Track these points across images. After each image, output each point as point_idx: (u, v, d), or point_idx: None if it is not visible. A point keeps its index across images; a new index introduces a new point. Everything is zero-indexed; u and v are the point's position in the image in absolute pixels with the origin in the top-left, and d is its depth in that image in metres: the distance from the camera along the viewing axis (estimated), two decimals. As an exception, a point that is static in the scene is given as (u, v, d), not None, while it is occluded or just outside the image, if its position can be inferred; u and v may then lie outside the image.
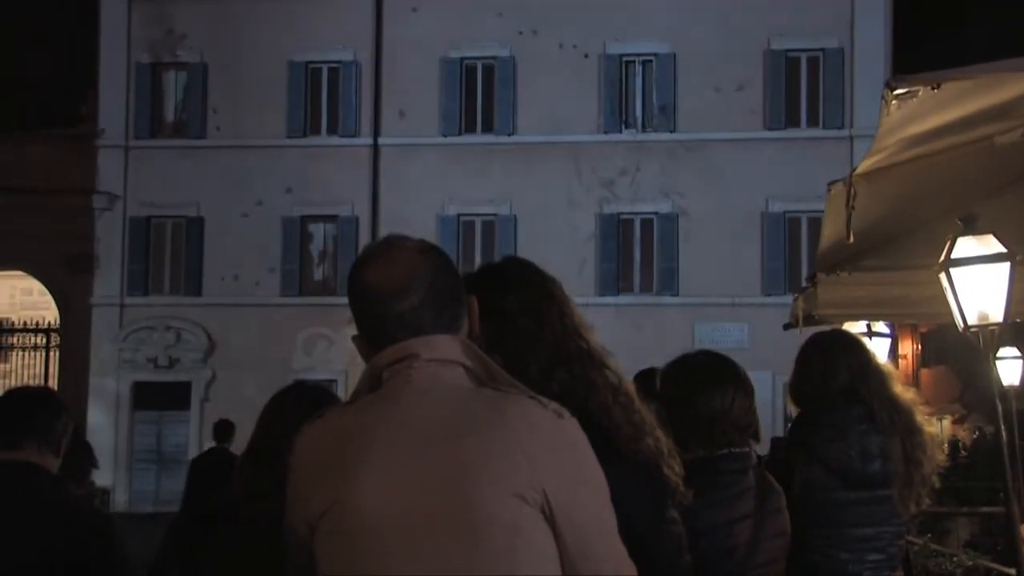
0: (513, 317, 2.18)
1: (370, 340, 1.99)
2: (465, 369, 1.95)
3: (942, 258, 4.39)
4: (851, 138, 23.63)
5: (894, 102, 3.34)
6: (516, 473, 1.84)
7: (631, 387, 2.21)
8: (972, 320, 4.42)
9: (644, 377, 3.29)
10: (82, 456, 4.84)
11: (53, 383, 25.60)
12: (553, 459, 1.87)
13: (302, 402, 2.64)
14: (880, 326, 6.81)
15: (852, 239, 4.35)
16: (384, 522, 1.85)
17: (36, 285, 26.90)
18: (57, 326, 26.35)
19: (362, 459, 1.88)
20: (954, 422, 25.11)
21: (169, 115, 26.68)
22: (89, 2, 26.22)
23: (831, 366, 3.73)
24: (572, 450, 1.90)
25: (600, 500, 1.92)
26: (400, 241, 2.03)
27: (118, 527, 3.19)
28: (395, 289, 1.95)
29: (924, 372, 27.14)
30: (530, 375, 2.07)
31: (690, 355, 3.27)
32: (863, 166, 4.22)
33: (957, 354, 20.74)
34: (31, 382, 25.13)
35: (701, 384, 3.09)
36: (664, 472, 2.16)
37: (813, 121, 24.99)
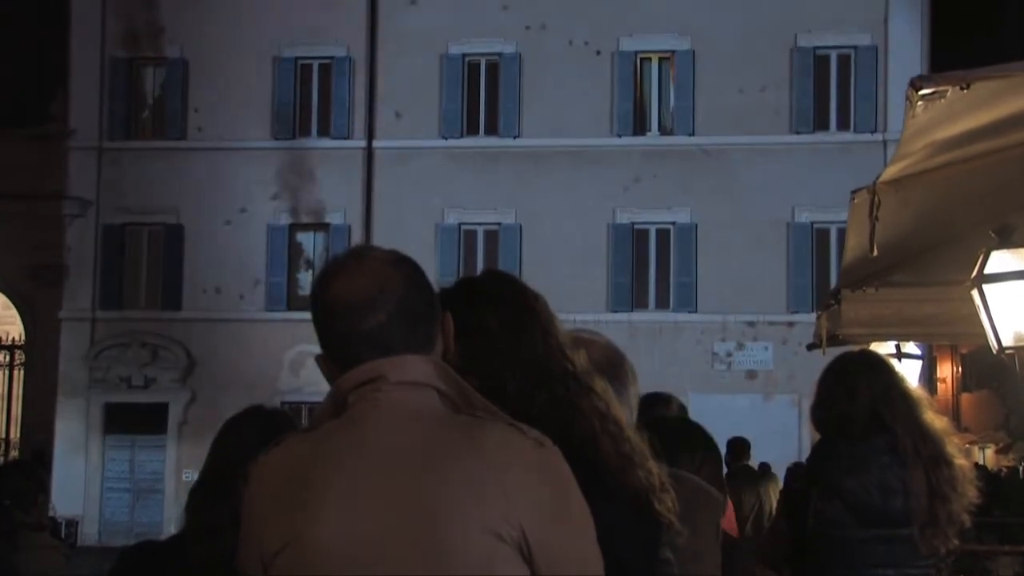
0: (492, 335, 2.16)
1: (335, 360, 1.98)
2: (438, 392, 1.94)
3: (974, 273, 4.37)
4: (884, 143, 23.61)
5: (920, 103, 3.33)
6: (491, 508, 1.82)
7: (621, 413, 2.19)
8: (1007, 341, 4.40)
9: (642, 404, 3.31)
10: (26, 482, 4.79)
11: (17, 405, 25.61)
12: (532, 493, 1.85)
13: (259, 428, 2.62)
14: (910, 347, 6.80)
15: (876, 252, 4.33)
16: (345, 561, 1.83)
17: (0, 298, 26.93)
18: (22, 342, 26.36)
19: (323, 491, 1.86)
20: (998, 451, 25.06)
21: (146, 114, 26.75)
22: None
23: (851, 389, 3.72)
24: (554, 483, 1.88)
25: (585, 538, 1.90)
26: (368, 251, 2.02)
27: None
28: (362, 304, 1.94)
29: (965, 397, 27.09)
30: (509, 399, 2.06)
31: (667, 418, 3.47)
32: (888, 173, 4.21)
33: (1002, 377, 20.70)
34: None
35: (671, 448, 3.19)
36: (656, 508, 2.14)
37: (843, 124, 24.98)
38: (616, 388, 2.32)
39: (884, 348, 6.11)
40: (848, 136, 24.76)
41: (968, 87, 3.21)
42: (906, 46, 24.48)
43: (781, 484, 11.24)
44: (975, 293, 4.34)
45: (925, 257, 5.26)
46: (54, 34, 26.34)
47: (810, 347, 7.05)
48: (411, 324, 1.96)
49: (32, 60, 26.65)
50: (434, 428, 1.89)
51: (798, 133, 24.85)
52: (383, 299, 1.94)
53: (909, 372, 6.16)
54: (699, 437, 3.29)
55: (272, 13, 25.76)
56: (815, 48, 24.94)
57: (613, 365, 2.43)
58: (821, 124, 24.99)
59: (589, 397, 2.15)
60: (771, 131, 24.82)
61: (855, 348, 4.75)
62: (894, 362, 4.34)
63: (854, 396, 3.70)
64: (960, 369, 27.15)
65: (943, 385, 25.83)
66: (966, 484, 3.63)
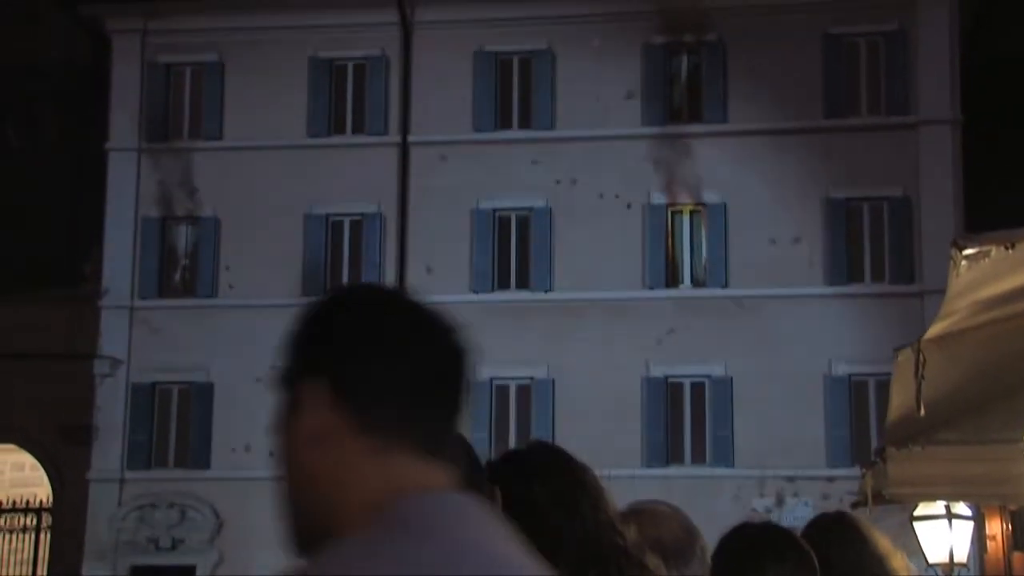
0: (540, 510, 2.14)
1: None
2: (486, 572, 1.90)
3: (1026, 434, 4.32)
4: (921, 294, 23.57)
5: (964, 263, 3.35)
6: None
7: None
8: (1064, 503, 4.32)
9: None
10: None
11: (42, 568, 25.38)
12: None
13: None
14: (961, 507, 6.66)
15: (923, 411, 4.30)
16: None
17: (28, 459, 26.91)
18: (49, 505, 26.24)
19: None
20: (1052, 612, 24.33)
21: (178, 273, 27.04)
22: (95, 154, 26.90)
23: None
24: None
25: None
26: None
27: None
28: None
29: (1017, 556, 26.44)
30: (560, 576, 2.02)
31: (750, 524, 3.28)
32: (933, 331, 4.20)
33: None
34: (18, 569, 24.98)
35: (758, 556, 3.07)
36: None
37: (878, 276, 24.99)
38: (678, 566, 2.28)
39: (933, 508, 6.01)
40: (883, 287, 24.75)
41: (1013, 247, 3.22)
42: (939, 197, 24.60)
43: None
44: (1028, 454, 4.29)
45: (972, 415, 5.20)
46: (90, 196, 26.86)
47: (855, 505, 6.94)
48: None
49: (68, 222, 27.14)
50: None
51: (832, 285, 24.86)
52: None
53: (960, 534, 6.05)
54: (788, 544, 3.14)
55: (303, 172, 26.21)
56: (847, 199, 25.10)
57: (679, 542, 2.40)
58: (855, 276, 25.00)
59: (642, 573, 2.12)
60: (805, 283, 24.84)
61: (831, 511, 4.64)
62: (943, 523, 4.26)
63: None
64: (1010, 527, 26.55)
65: (993, 543, 25.22)
66: None
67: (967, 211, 24.19)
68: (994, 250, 3.30)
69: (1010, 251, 3.26)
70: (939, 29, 25.16)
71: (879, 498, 5.96)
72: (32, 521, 26.34)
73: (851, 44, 25.54)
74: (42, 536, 26.20)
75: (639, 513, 2.57)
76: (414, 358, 1.49)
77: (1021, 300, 3.97)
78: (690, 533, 2.51)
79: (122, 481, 25.90)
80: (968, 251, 3.29)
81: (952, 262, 3.42)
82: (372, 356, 1.48)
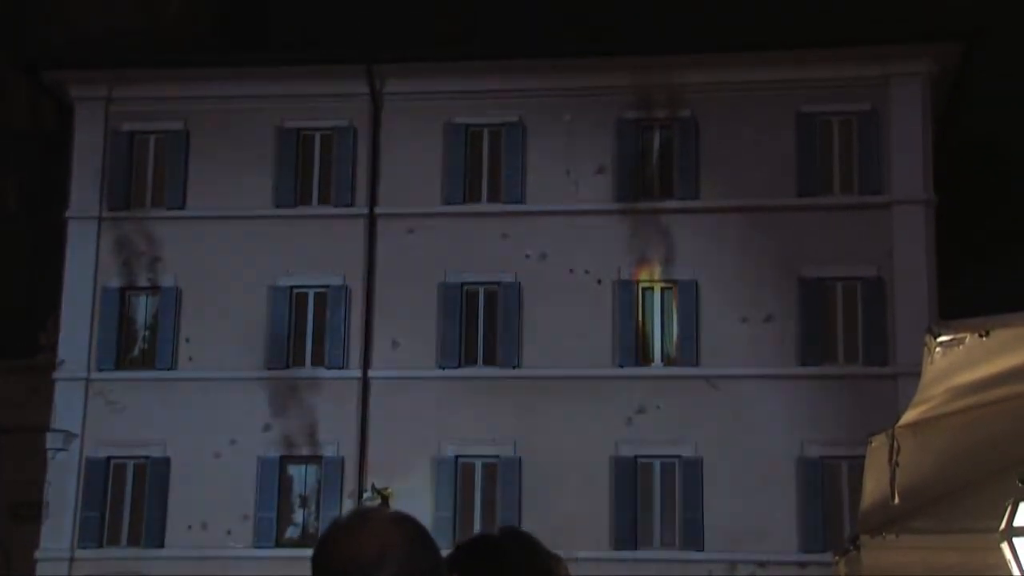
0: None
1: (337, 627, 1.96)
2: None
3: (1003, 525, 4.31)
4: (895, 376, 23.70)
5: (938, 350, 3.36)
6: None
7: None
8: (1041, 595, 4.30)
9: None
10: None
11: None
12: None
13: None
14: (936, 597, 6.64)
15: (898, 499, 4.30)
16: None
17: (-24, 535, 26.57)
18: (-4, 583, 25.88)
19: None
20: None
21: (137, 344, 26.88)
22: (56, 222, 26.84)
23: None
24: None
25: None
26: (372, 512, 2.05)
27: None
28: (366, 565, 1.95)
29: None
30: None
31: None
32: (907, 417, 4.22)
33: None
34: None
35: None
36: None
37: (851, 356, 25.09)
38: None
39: (908, 598, 5.97)
40: (857, 369, 24.83)
41: (987, 334, 3.24)
42: (913, 277, 24.80)
43: None
44: (1005, 546, 4.28)
45: (948, 503, 5.20)
46: (48, 266, 26.74)
47: (828, 594, 6.93)
48: (417, 585, 1.95)
49: (25, 290, 27.00)
50: None
51: (805, 364, 24.93)
52: (387, 559, 1.96)
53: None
54: None
55: (268, 243, 26.19)
56: (819, 279, 25.26)
57: None
58: (828, 356, 25.07)
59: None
60: (777, 362, 24.92)
61: None
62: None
63: None
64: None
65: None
66: None
67: (941, 291, 24.40)
68: (969, 337, 3.32)
69: (984, 339, 3.28)
70: (912, 109, 25.52)
71: (853, 586, 5.95)
72: (-23, 600, 25.94)
73: (824, 123, 25.87)
74: (-14, 616, 25.80)
75: None
76: None
77: (996, 388, 4.00)
78: None
79: (72, 560, 25.50)
80: (943, 338, 3.31)
81: (926, 349, 3.44)
82: None
